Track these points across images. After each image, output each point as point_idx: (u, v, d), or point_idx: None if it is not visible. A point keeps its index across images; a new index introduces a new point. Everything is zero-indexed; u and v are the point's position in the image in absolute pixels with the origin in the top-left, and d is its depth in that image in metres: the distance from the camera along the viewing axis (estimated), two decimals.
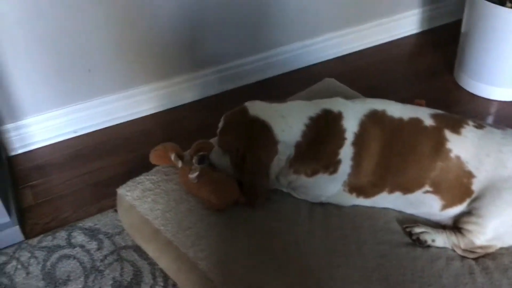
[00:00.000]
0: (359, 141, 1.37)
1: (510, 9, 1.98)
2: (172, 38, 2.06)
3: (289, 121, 1.39)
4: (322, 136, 1.38)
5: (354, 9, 2.47)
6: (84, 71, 1.95)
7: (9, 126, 1.92)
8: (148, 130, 2.07)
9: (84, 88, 1.99)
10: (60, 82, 1.93)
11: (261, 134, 1.37)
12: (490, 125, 1.42)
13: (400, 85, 2.32)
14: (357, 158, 1.37)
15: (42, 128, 1.97)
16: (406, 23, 2.69)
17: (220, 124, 1.44)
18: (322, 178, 1.39)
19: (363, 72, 2.42)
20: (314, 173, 1.39)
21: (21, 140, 1.95)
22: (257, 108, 1.41)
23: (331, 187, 1.41)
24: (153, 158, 1.55)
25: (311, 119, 1.39)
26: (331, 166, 1.38)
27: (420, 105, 1.59)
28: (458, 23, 2.30)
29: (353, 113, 1.40)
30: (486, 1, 2.03)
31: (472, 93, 2.25)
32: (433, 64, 2.49)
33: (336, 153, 1.37)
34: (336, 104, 1.43)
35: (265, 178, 1.39)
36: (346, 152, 1.37)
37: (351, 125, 1.38)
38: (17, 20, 1.72)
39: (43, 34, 1.79)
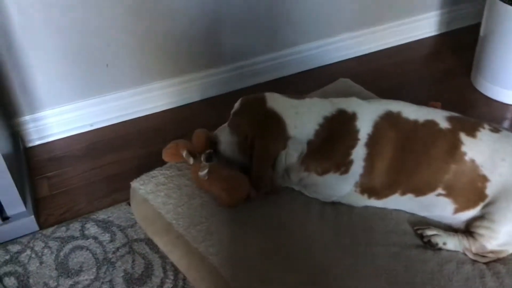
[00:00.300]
0: (373, 142, 1.37)
1: None
2: (189, 35, 2.07)
3: (303, 119, 1.40)
4: (335, 136, 1.39)
5: (372, 10, 2.46)
6: (102, 66, 1.97)
7: (27, 117, 1.95)
8: (162, 126, 2.09)
9: (102, 82, 2.01)
10: (79, 76, 1.95)
11: (273, 126, 1.39)
12: (506, 129, 1.40)
13: (416, 87, 2.31)
14: (370, 159, 1.37)
15: (59, 120, 2.00)
16: (425, 25, 2.67)
17: (236, 105, 1.47)
18: (333, 178, 1.40)
19: (380, 73, 2.41)
20: (325, 171, 1.40)
21: (39, 132, 1.98)
22: (275, 100, 1.43)
23: (342, 187, 1.41)
24: (165, 156, 1.58)
25: (326, 118, 1.40)
26: (343, 166, 1.38)
27: (436, 107, 1.58)
28: (477, 26, 2.27)
29: (367, 114, 1.40)
30: (506, 5, 2.01)
31: (489, 96, 2.23)
32: (450, 66, 2.47)
33: (348, 153, 1.37)
34: (351, 105, 1.43)
35: (269, 169, 1.41)
36: (358, 153, 1.37)
37: (365, 126, 1.38)
38: (38, 14, 1.75)
39: (63, 28, 1.82)
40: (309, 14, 2.28)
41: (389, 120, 1.39)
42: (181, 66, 2.14)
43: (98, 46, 1.92)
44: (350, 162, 1.38)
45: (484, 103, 2.21)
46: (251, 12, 2.14)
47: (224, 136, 1.48)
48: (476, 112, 2.13)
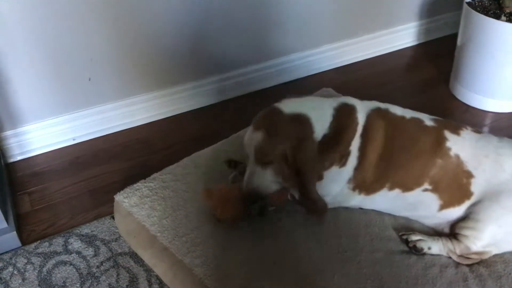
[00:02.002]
0: (366, 133, 1.39)
1: (505, 23, 2.01)
2: (173, 48, 2.08)
3: (320, 113, 1.37)
4: (341, 127, 1.37)
5: (353, 21, 2.50)
6: (84, 80, 1.97)
7: (8, 133, 1.93)
8: (146, 138, 2.08)
9: (84, 96, 2.01)
10: (61, 90, 1.94)
11: (305, 128, 1.33)
12: (486, 133, 1.45)
13: (396, 96, 2.34)
14: (363, 150, 1.38)
15: (41, 135, 1.98)
16: (404, 36, 2.72)
17: (258, 136, 1.31)
18: (333, 172, 1.38)
19: (361, 83, 2.44)
20: (330, 164, 1.37)
21: (20, 147, 1.96)
22: (292, 104, 1.39)
23: (336, 184, 1.41)
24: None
25: (336, 109, 1.39)
26: (344, 157, 1.37)
27: None
28: (454, 36, 2.32)
29: (361, 107, 1.42)
30: (481, 15, 2.06)
31: (467, 104, 2.28)
32: (429, 75, 2.52)
33: (349, 144, 1.37)
34: (349, 99, 1.45)
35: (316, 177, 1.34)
36: (355, 144, 1.38)
37: (360, 118, 1.40)
38: (19, 28, 1.74)
39: (44, 42, 1.81)
40: (292, 26, 2.31)
41: (379, 113, 1.43)
42: (164, 79, 2.14)
43: (80, 60, 1.91)
44: (349, 153, 1.38)
45: (463, 110, 2.25)
46: (234, 25, 2.16)
47: (258, 177, 1.32)
48: (455, 119, 2.17)
